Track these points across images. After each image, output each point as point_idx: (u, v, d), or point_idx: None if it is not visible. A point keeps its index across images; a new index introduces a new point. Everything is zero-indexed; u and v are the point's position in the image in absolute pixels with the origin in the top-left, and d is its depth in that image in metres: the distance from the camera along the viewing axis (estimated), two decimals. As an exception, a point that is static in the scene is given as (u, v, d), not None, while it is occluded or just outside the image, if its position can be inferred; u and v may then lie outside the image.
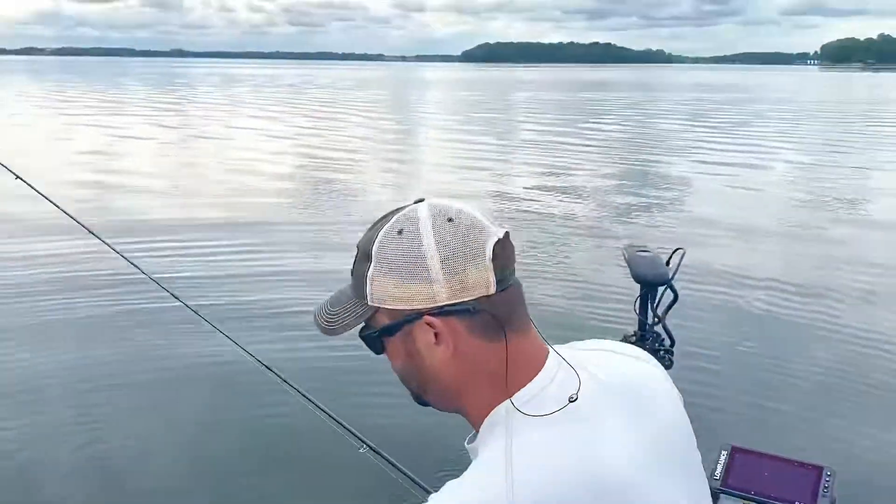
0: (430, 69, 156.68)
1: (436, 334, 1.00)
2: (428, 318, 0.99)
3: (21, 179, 2.53)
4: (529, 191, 10.56)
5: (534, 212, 9.10)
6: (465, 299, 0.98)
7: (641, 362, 1.14)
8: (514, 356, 1.01)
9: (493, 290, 0.99)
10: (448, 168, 12.91)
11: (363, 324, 1.05)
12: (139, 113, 24.39)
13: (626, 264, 2.12)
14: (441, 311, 0.98)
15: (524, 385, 1.01)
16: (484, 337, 1.00)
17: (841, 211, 9.38)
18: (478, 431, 1.03)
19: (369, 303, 1.02)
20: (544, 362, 1.04)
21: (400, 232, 1.00)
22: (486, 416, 1.02)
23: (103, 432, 3.57)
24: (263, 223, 8.18)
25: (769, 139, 17.84)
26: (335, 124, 21.53)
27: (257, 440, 3.54)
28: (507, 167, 13.20)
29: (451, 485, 0.96)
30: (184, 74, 71.86)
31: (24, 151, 13.15)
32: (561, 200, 9.86)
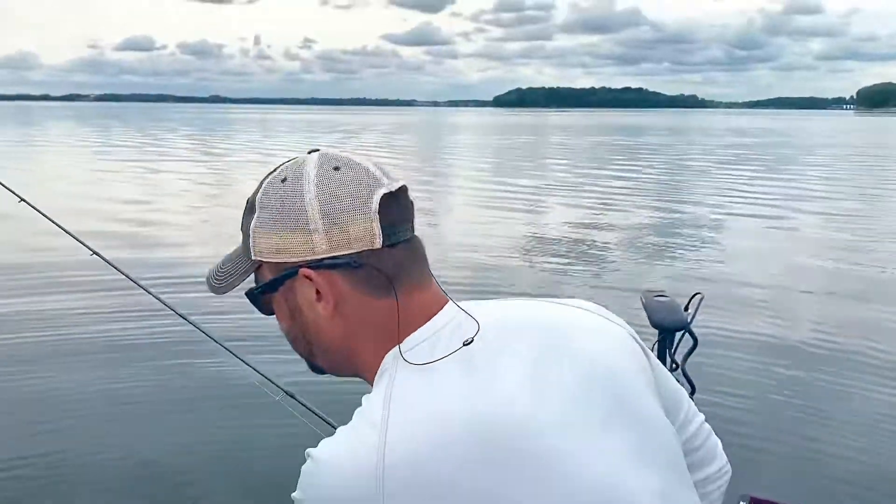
0: (462, 114, 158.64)
1: (316, 292, 0.93)
2: (305, 270, 0.92)
3: (46, 216, 2.58)
4: (556, 232, 10.52)
5: (559, 254, 9.06)
6: (347, 252, 0.91)
7: (573, 308, 1.03)
8: (405, 311, 0.93)
9: (378, 243, 0.91)
10: (477, 210, 12.95)
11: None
12: (175, 156, 24.98)
13: (643, 309, 2.08)
14: (320, 265, 0.92)
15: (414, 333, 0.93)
16: (370, 293, 0.93)
17: (876, 254, 9.17)
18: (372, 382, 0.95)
19: (253, 257, 0.96)
20: (440, 311, 0.95)
21: (284, 180, 0.94)
22: (376, 368, 0.93)
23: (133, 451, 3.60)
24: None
25: (804, 183, 17.62)
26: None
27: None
28: (534, 209, 13.19)
29: (326, 440, 0.88)
30: (222, 120, 73.69)
31: (57, 192, 13.49)
32: (587, 242, 9.80)
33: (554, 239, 10.22)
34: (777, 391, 4.62)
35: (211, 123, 63.72)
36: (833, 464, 3.68)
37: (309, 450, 0.87)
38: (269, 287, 0.97)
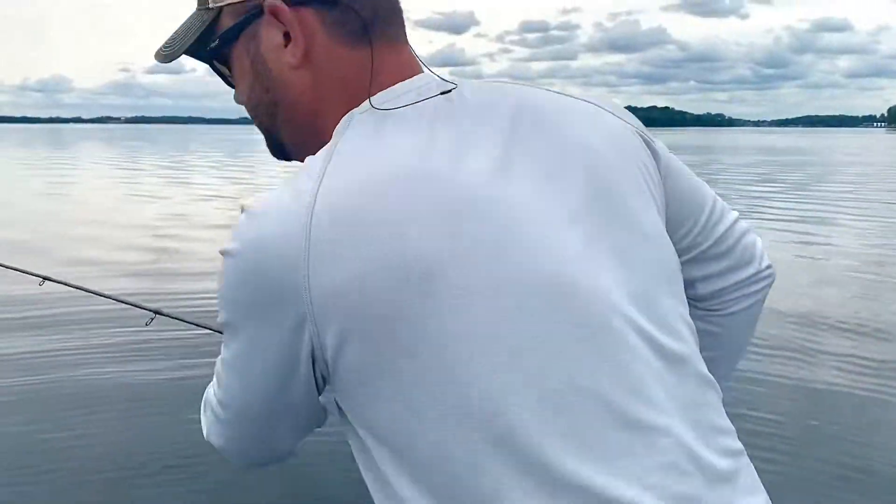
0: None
1: (284, 36, 0.82)
2: (270, 4, 0.80)
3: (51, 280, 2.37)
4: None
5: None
6: None
7: (571, 97, 0.90)
8: (380, 67, 0.82)
9: None
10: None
11: (203, 39, 0.88)
12: (201, 180, 25.24)
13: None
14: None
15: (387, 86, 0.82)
16: (343, 41, 0.83)
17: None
18: None
19: (211, 5, 0.85)
20: (415, 76, 0.85)
21: None
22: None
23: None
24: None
25: (837, 202, 17.24)
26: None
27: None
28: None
29: (269, 192, 0.78)
30: (249, 141, 74.68)
31: (84, 219, 13.58)
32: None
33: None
34: (805, 405, 4.42)
35: (238, 144, 64.56)
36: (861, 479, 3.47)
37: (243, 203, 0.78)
38: (230, 34, 0.85)
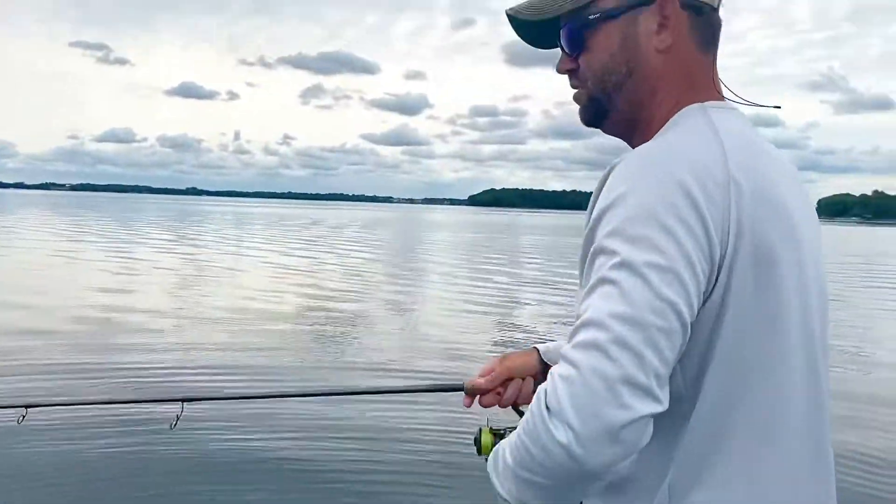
0: (437, 211, 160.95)
1: (660, 25, 1.02)
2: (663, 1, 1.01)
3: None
4: (533, 330, 10.34)
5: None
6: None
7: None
8: (711, 79, 1.06)
9: (716, 2, 1.05)
10: (453, 307, 12.75)
11: (573, 13, 1.05)
12: (148, 249, 24.68)
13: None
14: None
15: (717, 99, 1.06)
16: (698, 43, 1.04)
17: (853, 366, 9.06)
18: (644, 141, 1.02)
19: None
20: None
21: None
22: (668, 117, 1.02)
23: None
24: (266, 365, 7.90)
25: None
26: (345, 261, 21.63)
27: None
28: (511, 306, 13.03)
29: (650, 142, 0.99)
30: (197, 212, 73.77)
31: (30, 288, 13.06)
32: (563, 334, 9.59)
33: (530, 330, 10.07)
34: None
35: (184, 215, 63.69)
36: None
37: (629, 154, 0.99)
38: (617, 12, 1.03)
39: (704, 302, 0.89)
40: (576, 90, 1.10)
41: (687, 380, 0.93)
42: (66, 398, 5.65)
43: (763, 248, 0.91)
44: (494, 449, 1.01)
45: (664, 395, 0.85)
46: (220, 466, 4.67)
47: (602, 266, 0.88)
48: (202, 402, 1.72)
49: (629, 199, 0.89)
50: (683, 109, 1.01)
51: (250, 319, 10.54)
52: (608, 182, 0.94)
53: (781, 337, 0.94)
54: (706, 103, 1.02)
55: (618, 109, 1.07)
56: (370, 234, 40.90)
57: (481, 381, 1.35)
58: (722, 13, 1.09)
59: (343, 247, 28.62)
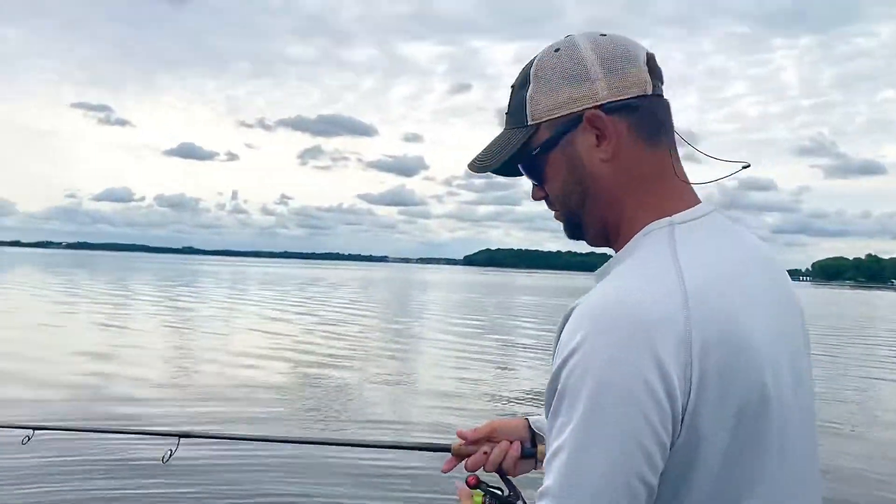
0: (433, 271, 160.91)
1: (597, 136, 1.02)
2: (590, 113, 1.01)
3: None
4: (526, 393, 10.41)
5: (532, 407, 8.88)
6: (626, 96, 1.01)
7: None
8: (671, 164, 1.04)
9: (650, 90, 1.03)
10: (445, 366, 12.82)
11: (518, 153, 1.07)
12: (142, 309, 24.69)
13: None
14: (603, 107, 1.01)
15: (682, 208, 1.03)
16: (645, 140, 1.03)
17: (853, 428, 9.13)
18: (620, 248, 1.03)
19: (529, 122, 1.06)
20: (697, 199, 1.06)
21: (556, 50, 1.06)
22: (632, 228, 1.02)
23: None
24: (258, 418, 7.99)
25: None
26: (340, 322, 21.65)
27: None
28: (503, 369, 13.11)
29: (609, 284, 0.95)
30: (194, 271, 73.73)
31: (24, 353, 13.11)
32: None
33: (525, 393, 10.14)
34: None
35: (180, 274, 63.64)
36: None
37: (597, 289, 0.97)
38: (550, 144, 1.05)
39: (671, 447, 0.90)
40: (554, 213, 1.14)
41: None
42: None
43: (732, 393, 0.90)
44: None
45: None
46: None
47: (561, 429, 0.90)
48: (197, 438, 1.88)
49: (585, 363, 0.89)
50: (647, 229, 1.00)
51: (248, 372, 10.62)
52: (563, 336, 0.95)
53: (762, 462, 0.95)
54: (674, 217, 1.01)
55: (589, 225, 1.09)
56: (364, 294, 40.94)
57: (468, 431, 1.38)
58: (669, 91, 1.07)
59: (338, 305, 28.66)
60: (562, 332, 0.96)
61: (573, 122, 1.03)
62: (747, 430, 0.92)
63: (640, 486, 0.87)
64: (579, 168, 1.05)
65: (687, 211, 1.02)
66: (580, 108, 1.02)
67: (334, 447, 6.02)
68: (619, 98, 1.02)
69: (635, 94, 1.02)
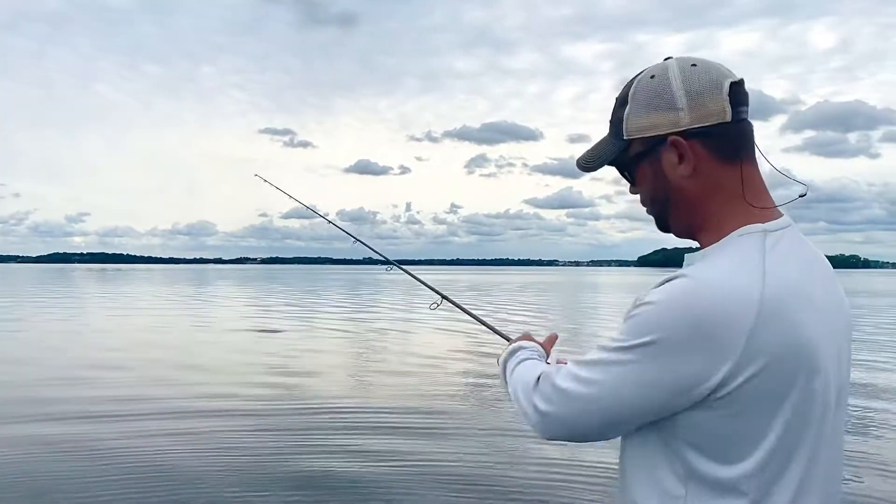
0: (605, 274, 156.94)
1: (679, 155, 1.20)
2: (673, 138, 1.20)
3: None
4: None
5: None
6: (705, 124, 1.18)
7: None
8: (748, 178, 1.21)
9: (728, 118, 1.19)
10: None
11: (618, 157, 1.30)
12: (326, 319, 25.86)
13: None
14: (684, 133, 1.19)
15: (769, 217, 1.20)
16: (720, 158, 1.20)
17: None
18: (704, 245, 1.22)
19: (625, 137, 1.26)
20: (778, 210, 1.23)
21: (652, 77, 1.23)
22: (721, 229, 1.19)
23: None
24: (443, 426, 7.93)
25: None
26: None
27: None
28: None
29: (701, 268, 1.14)
30: (372, 281, 77.04)
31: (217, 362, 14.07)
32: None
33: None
34: None
35: (359, 285, 66.61)
36: None
37: (680, 273, 1.15)
38: (643, 156, 1.25)
39: (712, 397, 1.10)
40: (646, 209, 1.34)
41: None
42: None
43: (783, 386, 1.09)
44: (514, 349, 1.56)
45: (588, 433, 1.21)
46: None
47: (614, 342, 1.17)
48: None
49: (660, 313, 1.12)
50: (742, 230, 1.18)
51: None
52: (656, 288, 1.16)
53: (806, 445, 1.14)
54: (767, 225, 1.18)
55: (673, 224, 1.30)
56: (544, 298, 40.62)
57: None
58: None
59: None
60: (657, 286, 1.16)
61: (659, 142, 1.22)
62: (794, 421, 1.10)
63: (629, 420, 1.17)
64: (664, 180, 1.25)
65: (776, 221, 1.19)
66: (665, 132, 1.21)
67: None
68: (698, 125, 1.19)
69: (714, 122, 1.19)
